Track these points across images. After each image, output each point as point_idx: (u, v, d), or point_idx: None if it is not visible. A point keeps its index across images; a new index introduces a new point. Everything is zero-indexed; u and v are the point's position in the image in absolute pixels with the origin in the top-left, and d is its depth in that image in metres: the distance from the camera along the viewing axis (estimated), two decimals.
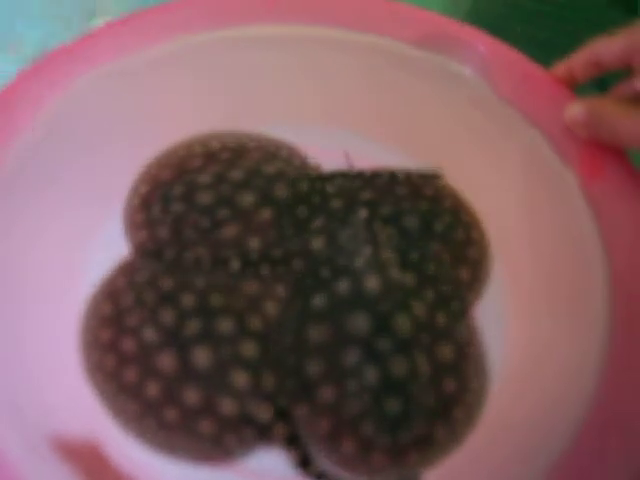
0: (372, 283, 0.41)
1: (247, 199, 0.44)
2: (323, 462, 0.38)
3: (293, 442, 0.38)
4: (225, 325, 0.40)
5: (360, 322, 0.40)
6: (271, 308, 0.41)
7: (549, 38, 0.51)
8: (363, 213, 0.44)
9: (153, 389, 0.38)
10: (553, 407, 0.37)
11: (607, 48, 0.41)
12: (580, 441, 0.34)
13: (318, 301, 0.41)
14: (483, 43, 0.45)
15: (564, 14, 0.58)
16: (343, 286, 0.42)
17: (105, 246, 0.43)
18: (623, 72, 0.41)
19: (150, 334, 0.39)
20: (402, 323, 0.40)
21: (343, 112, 0.49)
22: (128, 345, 0.39)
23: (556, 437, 0.35)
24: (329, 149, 0.48)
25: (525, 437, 0.37)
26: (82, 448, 0.34)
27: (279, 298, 0.42)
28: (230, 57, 0.46)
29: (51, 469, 0.32)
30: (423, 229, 0.45)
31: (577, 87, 0.44)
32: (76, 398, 0.37)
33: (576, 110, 0.41)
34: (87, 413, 0.37)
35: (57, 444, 0.33)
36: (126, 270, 0.42)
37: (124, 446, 0.37)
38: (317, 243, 0.44)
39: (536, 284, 0.43)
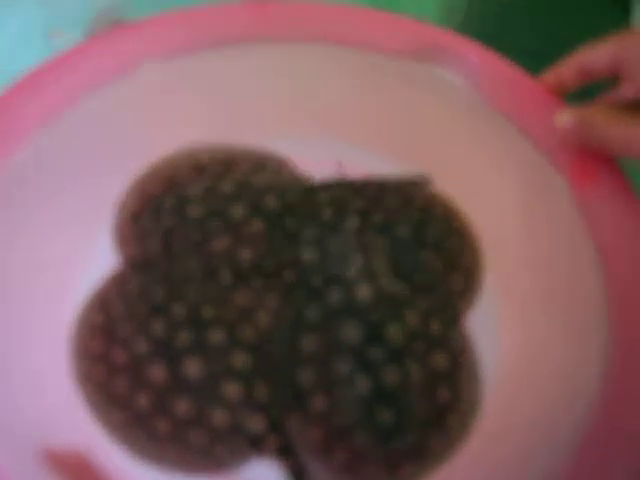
0: (364, 292, 0.41)
1: (237, 211, 0.44)
2: (316, 473, 0.37)
3: (286, 453, 0.38)
4: (216, 336, 0.40)
5: (352, 332, 0.40)
6: (263, 319, 0.41)
7: (541, 47, 0.52)
8: (355, 222, 0.44)
9: (143, 400, 0.38)
10: (551, 407, 0.37)
11: (596, 56, 0.40)
12: (581, 442, 0.34)
13: (310, 311, 0.41)
14: (474, 53, 0.45)
15: (555, 23, 0.59)
16: (335, 296, 0.42)
17: (98, 258, 0.43)
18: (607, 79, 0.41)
19: (141, 345, 0.39)
20: (394, 332, 0.40)
21: (336, 122, 0.49)
22: (118, 356, 0.39)
23: (556, 438, 0.35)
24: (322, 159, 0.48)
25: (524, 438, 0.37)
26: (70, 458, 0.34)
27: (271, 309, 0.42)
28: (221, 71, 0.47)
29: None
30: (415, 238, 0.45)
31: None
32: (65, 408, 0.37)
33: (566, 118, 0.41)
34: (77, 424, 0.37)
35: (45, 454, 0.33)
36: (117, 281, 0.42)
37: (114, 457, 0.37)
38: (308, 254, 0.44)
39: (530, 289, 0.43)
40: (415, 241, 0.45)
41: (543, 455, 0.35)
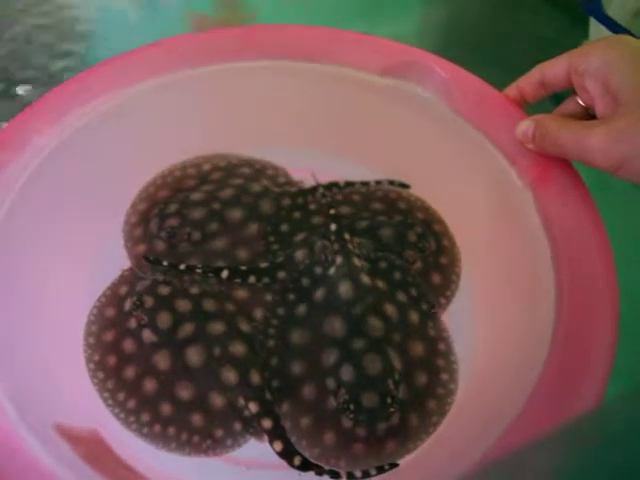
0: (344, 289, 0.45)
1: (235, 214, 0.49)
2: (306, 452, 0.40)
3: (278, 434, 0.41)
4: (217, 328, 0.44)
5: (336, 325, 0.43)
6: (258, 313, 0.45)
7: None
8: (332, 226, 0.49)
9: (150, 386, 0.42)
10: (513, 376, 0.41)
11: (550, 70, 0.45)
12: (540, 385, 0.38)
13: (299, 308, 0.45)
14: (444, 68, 0.50)
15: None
16: (320, 293, 0.45)
17: (108, 258, 0.47)
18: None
19: (148, 336, 0.43)
20: (374, 324, 0.43)
21: (326, 135, 0.54)
22: (128, 346, 0.43)
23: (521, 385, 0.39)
24: (314, 168, 0.53)
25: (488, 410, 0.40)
26: (83, 432, 0.38)
27: (265, 304, 0.46)
28: (210, 90, 0.52)
29: (57, 449, 0.36)
30: (398, 239, 0.49)
31: (530, 106, 0.48)
32: (80, 394, 0.41)
33: (525, 126, 0.45)
34: (90, 408, 0.41)
35: (61, 430, 0.37)
36: (127, 279, 0.47)
37: (122, 438, 0.40)
38: (299, 255, 0.48)
39: (497, 282, 0.47)
40: (398, 242, 0.49)
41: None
